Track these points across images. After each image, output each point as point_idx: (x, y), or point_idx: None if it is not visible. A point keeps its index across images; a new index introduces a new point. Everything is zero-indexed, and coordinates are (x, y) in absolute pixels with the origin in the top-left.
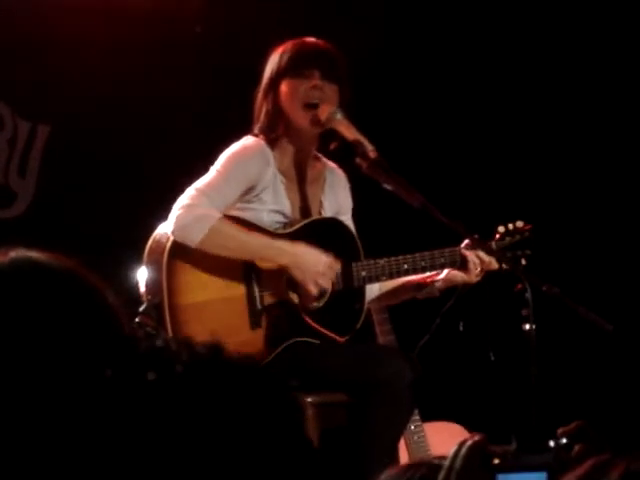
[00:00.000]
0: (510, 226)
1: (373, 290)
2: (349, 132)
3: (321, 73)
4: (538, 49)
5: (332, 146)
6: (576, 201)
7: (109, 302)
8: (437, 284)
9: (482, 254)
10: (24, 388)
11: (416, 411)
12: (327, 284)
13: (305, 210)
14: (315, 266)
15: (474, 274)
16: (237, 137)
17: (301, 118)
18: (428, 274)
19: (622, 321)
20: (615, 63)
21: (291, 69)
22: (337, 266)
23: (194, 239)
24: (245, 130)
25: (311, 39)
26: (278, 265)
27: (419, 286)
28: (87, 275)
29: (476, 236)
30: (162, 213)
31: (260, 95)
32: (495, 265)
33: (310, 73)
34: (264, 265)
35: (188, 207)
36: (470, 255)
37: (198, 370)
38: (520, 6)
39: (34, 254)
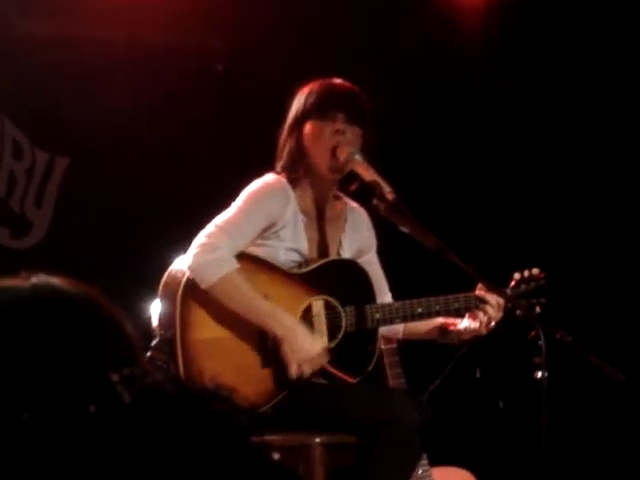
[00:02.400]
0: (526, 273)
1: (397, 327)
2: (367, 173)
3: (346, 116)
4: (547, 94)
5: (352, 187)
6: (592, 250)
7: (127, 332)
8: (460, 335)
9: (490, 309)
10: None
11: (424, 455)
12: (309, 372)
13: (324, 249)
14: (306, 350)
15: (486, 326)
16: (258, 174)
17: (323, 160)
18: (451, 321)
19: (635, 371)
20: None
21: (316, 111)
22: (324, 361)
23: (207, 280)
24: (266, 167)
25: (338, 80)
26: (273, 334)
27: (443, 331)
28: (106, 304)
29: (489, 282)
30: (178, 247)
31: (284, 134)
32: (500, 315)
33: (334, 116)
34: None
35: (208, 245)
36: (484, 308)
37: (169, 410)
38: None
39: (55, 280)
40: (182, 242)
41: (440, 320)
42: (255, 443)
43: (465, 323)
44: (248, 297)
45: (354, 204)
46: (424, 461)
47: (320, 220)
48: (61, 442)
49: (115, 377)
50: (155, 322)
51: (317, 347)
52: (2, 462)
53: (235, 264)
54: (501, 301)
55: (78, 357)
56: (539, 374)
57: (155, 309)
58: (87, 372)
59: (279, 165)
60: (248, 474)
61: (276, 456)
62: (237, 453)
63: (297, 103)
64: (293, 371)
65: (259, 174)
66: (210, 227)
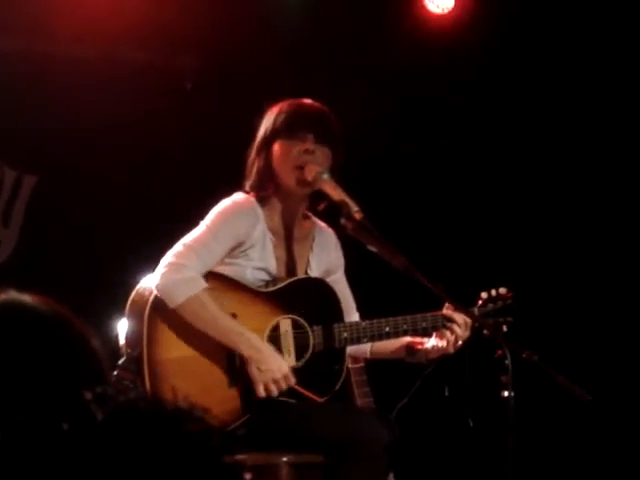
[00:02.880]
0: (493, 292)
1: (364, 347)
2: (335, 192)
3: (315, 136)
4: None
5: (320, 207)
6: (559, 269)
7: (96, 350)
8: (427, 355)
9: (457, 328)
10: None
11: (391, 474)
12: (275, 393)
13: (291, 268)
14: (273, 371)
15: (453, 345)
16: (227, 192)
17: (290, 179)
18: (419, 340)
19: (601, 391)
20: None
21: (285, 130)
22: (292, 381)
23: (175, 300)
24: (234, 186)
25: (308, 101)
26: (240, 353)
27: (410, 350)
28: (77, 322)
29: (457, 301)
30: (145, 265)
31: (253, 153)
32: (467, 334)
33: (304, 136)
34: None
35: (176, 265)
36: (452, 326)
37: (143, 426)
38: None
39: (26, 297)
40: (149, 260)
41: (407, 339)
42: (228, 463)
43: (432, 342)
44: (215, 317)
45: (322, 224)
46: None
47: (288, 239)
48: (35, 460)
49: (88, 395)
50: (122, 340)
51: (284, 368)
52: None
53: (203, 284)
54: (468, 320)
55: (50, 375)
56: (506, 393)
57: (122, 327)
58: (60, 390)
59: (248, 184)
60: None
61: (248, 476)
62: (210, 473)
63: (266, 122)
64: (260, 391)
65: (228, 193)
66: (178, 246)
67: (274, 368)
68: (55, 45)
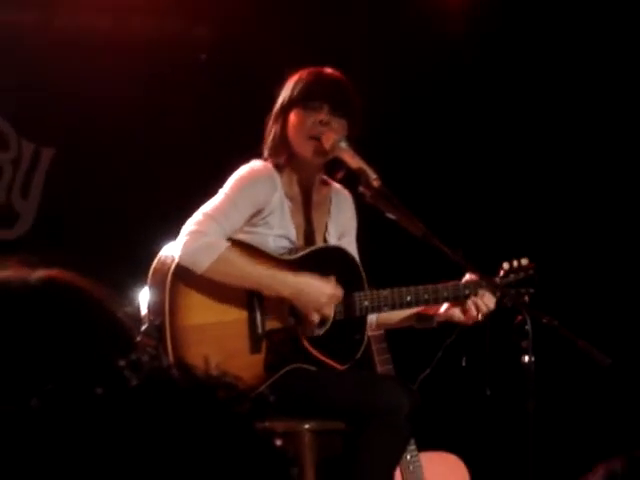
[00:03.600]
0: (515, 263)
1: (370, 316)
2: (353, 160)
3: (331, 107)
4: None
5: (339, 175)
6: (578, 239)
7: (122, 318)
8: (437, 317)
9: (487, 300)
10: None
11: (412, 441)
12: (329, 313)
13: (310, 235)
14: (317, 298)
15: (473, 318)
16: (243, 160)
17: (305, 149)
18: (429, 306)
19: (621, 355)
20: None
21: (301, 100)
22: (339, 294)
23: (201, 266)
24: (250, 155)
25: (327, 70)
26: (281, 296)
27: (419, 316)
28: (100, 292)
29: (477, 269)
30: (166, 234)
31: (271, 120)
32: (493, 307)
33: (319, 106)
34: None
35: (197, 233)
36: (476, 300)
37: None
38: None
39: (57, 272)
40: (170, 229)
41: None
42: (259, 429)
43: (444, 307)
44: (245, 270)
45: (338, 186)
46: (412, 446)
47: (306, 206)
48: (70, 425)
49: (121, 362)
50: (144, 309)
51: (326, 290)
52: (13, 447)
53: (225, 243)
54: (492, 298)
55: (82, 344)
56: (526, 358)
57: (144, 296)
58: (93, 357)
59: (265, 151)
60: (253, 460)
61: (279, 442)
62: (243, 439)
63: (285, 90)
64: (315, 320)
65: (244, 162)
66: (198, 215)
67: (317, 295)
68: (70, 17)
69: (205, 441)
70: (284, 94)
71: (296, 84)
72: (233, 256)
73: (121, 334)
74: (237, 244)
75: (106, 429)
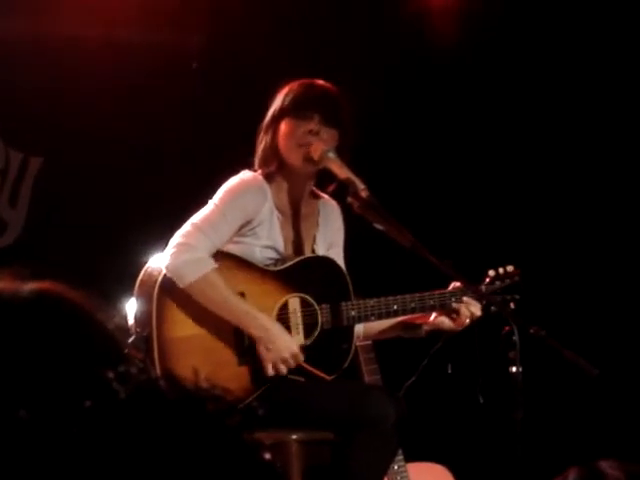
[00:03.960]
0: (500, 270)
1: (357, 326)
2: (341, 171)
3: (321, 117)
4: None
5: (330, 188)
6: (565, 245)
7: (111, 330)
8: (425, 326)
9: (472, 307)
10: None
11: (400, 451)
12: (284, 372)
13: (298, 246)
14: (281, 350)
15: (460, 325)
16: (234, 171)
17: (294, 157)
18: (417, 315)
19: (609, 366)
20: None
21: (292, 109)
22: (301, 358)
23: (184, 280)
24: (240, 165)
25: (318, 81)
26: (249, 333)
27: (407, 326)
28: (89, 303)
29: (464, 278)
30: (153, 245)
31: (262, 131)
32: (479, 313)
33: (310, 116)
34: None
35: (184, 246)
36: (460, 306)
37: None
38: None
39: (45, 283)
40: (157, 240)
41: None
42: (248, 441)
43: (432, 316)
44: (224, 297)
45: (326, 197)
46: (399, 457)
47: (295, 218)
48: (58, 437)
49: (110, 374)
50: (131, 320)
51: (292, 346)
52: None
53: (212, 264)
54: (477, 303)
55: (73, 356)
56: (514, 369)
57: (131, 307)
58: (82, 370)
59: (255, 162)
60: (241, 472)
61: (267, 455)
62: (232, 452)
63: (276, 101)
64: (269, 370)
65: (234, 172)
66: (187, 226)
67: (282, 347)
68: (59, 27)
69: (194, 453)
70: (275, 105)
71: (287, 95)
72: (216, 279)
73: (112, 347)
74: (224, 256)
75: (95, 441)
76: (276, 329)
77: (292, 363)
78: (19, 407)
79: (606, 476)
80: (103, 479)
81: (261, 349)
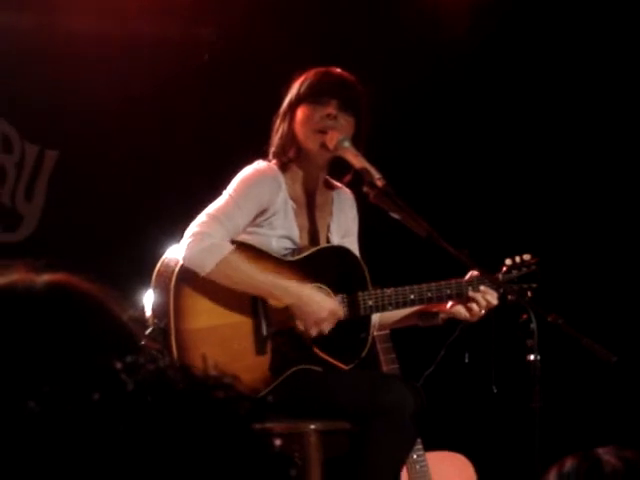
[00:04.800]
0: (517, 259)
1: (373, 316)
2: (356, 160)
3: (339, 103)
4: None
5: (346, 179)
6: (583, 233)
7: (123, 319)
8: (441, 314)
9: (489, 296)
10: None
11: (419, 440)
12: (327, 330)
13: (313, 236)
14: (318, 311)
15: (477, 315)
16: (247, 161)
17: (311, 142)
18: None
19: (627, 353)
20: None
21: (309, 95)
22: (340, 313)
23: (205, 268)
24: (252, 156)
25: (335, 69)
26: (283, 303)
27: (423, 314)
28: (101, 293)
29: (481, 267)
30: (170, 236)
31: (278, 119)
32: (495, 302)
33: (327, 101)
34: None
35: (201, 235)
36: (477, 296)
37: (181, 396)
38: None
39: (56, 274)
40: (173, 232)
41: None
42: (257, 430)
43: (448, 304)
44: (249, 275)
45: (339, 185)
46: (418, 446)
47: (310, 207)
48: (66, 430)
49: (118, 365)
50: (148, 312)
51: (327, 304)
52: (9, 449)
53: (230, 246)
54: (494, 292)
55: (85, 348)
56: (532, 357)
57: (148, 299)
58: (89, 361)
59: (271, 151)
60: (250, 461)
61: (277, 442)
62: (240, 440)
63: (292, 89)
64: (312, 334)
65: (246, 163)
66: (202, 216)
67: (318, 308)
68: (72, 19)
69: (202, 442)
70: (291, 93)
71: (303, 82)
72: (237, 260)
73: (126, 338)
74: (240, 246)
75: (103, 433)
76: (308, 292)
77: (332, 321)
78: (30, 398)
79: (603, 463)
80: (111, 471)
81: (298, 315)
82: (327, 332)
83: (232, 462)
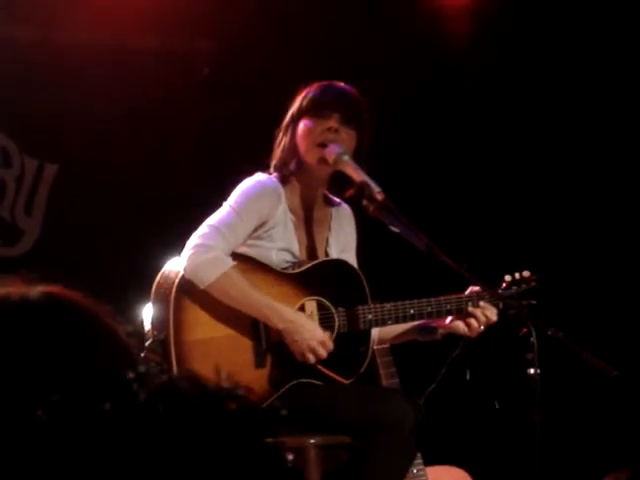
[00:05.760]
0: (517, 275)
1: (373, 330)
2: (356, 174)
3: (341, 117)
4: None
5: (347, 193)
6: (582, 248)
7: (123, 336)
8: (441, 330)
9: (488, 312)
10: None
11: (419, 455)
12: (313, 360)
13: (312, 250)
14: (308, 340)
15: (476, 331)
16: (247, 173)
17: (310, 155)
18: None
19: (628, 367)
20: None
21: (311, 109)
22: (330, 345)
23: (204, 281)
24: (251, 169)
25: (338, 83)
26: (274, 326)
27: (422, 329)
28: (103, 309)
29: (481, 281)
30: (169, 250)
31: (281, 132)
32: (495, 318)
33: (329, 115)
34: None
35: (202, 247)
36: (476, 311)
37: (192, 407)
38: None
39: (59, 288)
40: (173, 245)
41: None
42: (270, 443)
43: (448, 319)
44: (246, 293)
45: (338, 200)
46: (418, 460)
47: (308, 221)
48: (76, 439)
49: (130, 375)
50: (148, 325)
51: (319, 334)
52: (17, 458)
53: (230, 262)
54: (493, 309)
55: (83, 360)
56: (532, 371)
57: (147, 312)
58: (102, 370)
59: (272, 163)
60: (264, 475)
61: (290, 457)
62: (254, 452)
63: (295, 102)
64: (310, 359)
65: (248, 174)
66: (203, 228)
67: (309, 336)
68: (72, 33)
69: (215, 454)
70: (294, 106)
71: (306, 96)
72: (237, 276)
73: (120, 351)
74: (240, 259)
75: (114, 443)
76: (301, 319)
77: (321, 350)
78: (31, 408)
79: None
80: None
81: (288, 341)
82: (311, 362)
83: (245, 474)
